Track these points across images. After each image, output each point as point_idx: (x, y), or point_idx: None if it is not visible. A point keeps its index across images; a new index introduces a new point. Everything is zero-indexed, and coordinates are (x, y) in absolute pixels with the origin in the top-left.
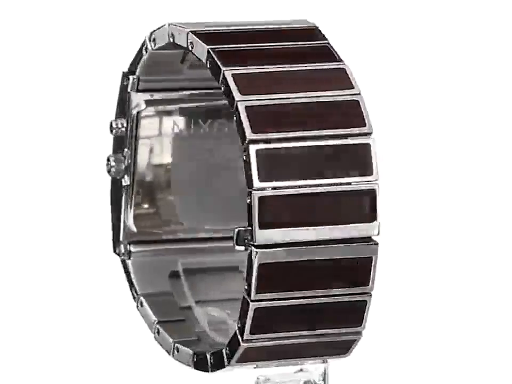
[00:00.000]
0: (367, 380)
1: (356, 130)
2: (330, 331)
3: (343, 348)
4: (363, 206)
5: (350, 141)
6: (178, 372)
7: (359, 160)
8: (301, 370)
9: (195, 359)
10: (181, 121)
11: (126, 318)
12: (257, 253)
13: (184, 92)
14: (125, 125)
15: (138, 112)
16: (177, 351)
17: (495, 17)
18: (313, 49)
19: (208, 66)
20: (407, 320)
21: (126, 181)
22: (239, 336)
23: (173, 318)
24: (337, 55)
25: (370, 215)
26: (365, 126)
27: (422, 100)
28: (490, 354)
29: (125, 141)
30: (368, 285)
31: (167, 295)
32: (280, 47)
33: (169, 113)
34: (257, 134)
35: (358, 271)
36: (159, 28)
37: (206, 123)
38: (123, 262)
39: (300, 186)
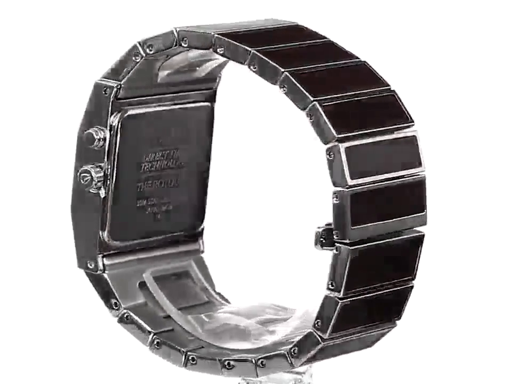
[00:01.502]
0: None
1: (404, 123)
2: (381, 323)
3: (375, 340)
4: (416, 197)
5: (401, 135)
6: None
7: (412, 152)
8: None
9: (228, 366)
10: (151, 127)
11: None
12: (350, 250)
13: (158, 97)
14: (104, 135)
15: (115, 123)
16: (193, 361)
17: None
18: (326, 47)
19: (254, 68)
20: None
21: (102, 193)
22: (317, 335)
23: (165, 328)
24: (349, 51)
25: (421, 205)
26: (407, 118)
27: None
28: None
29: (103, 152)
30: (412, 275)
31: (147, 306)
32: (299, 46)
33: (143, 120)
34: (342, 133)
35: (411, 261)
36: (158, 34)
37: (164, 126)
38: (98, 276)
39: (380, 181)
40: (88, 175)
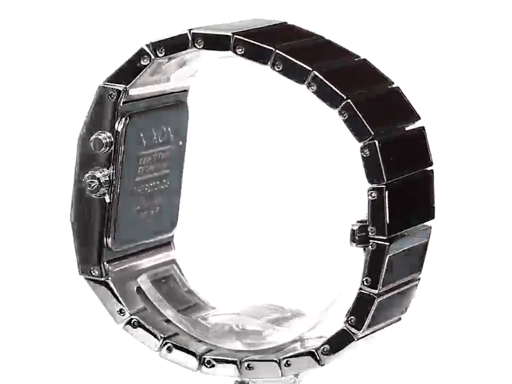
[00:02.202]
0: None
1: (412, 119)
2: (395, 317)
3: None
4: (428, 191)
5: (413, 131)
6: None
7: (422, 147)
8: None
9: (248, 368)
10: (147, 131)
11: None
12: (389, 246)
13: (154, 100)
14: (110, 140)
15: (120, 128)
16: (209, 364)
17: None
18: (326, 46)
19: (278, 68)
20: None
21: (107, 198)
22: (351, 332)
23: (170, 332)
24: (348, 49)
25: (432, 199)
26: (415, 114)
27: None
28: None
29: (108, 157)
30: (421, 270)
31: (147, 311)
32: (305, 45)
33: (142, 124)
34: (375, 129)
35: (423, 255)
36: (170, 36)
37: (155, 129)
38: (102, 282)
39: (405, 177)
40: (95, 180)
